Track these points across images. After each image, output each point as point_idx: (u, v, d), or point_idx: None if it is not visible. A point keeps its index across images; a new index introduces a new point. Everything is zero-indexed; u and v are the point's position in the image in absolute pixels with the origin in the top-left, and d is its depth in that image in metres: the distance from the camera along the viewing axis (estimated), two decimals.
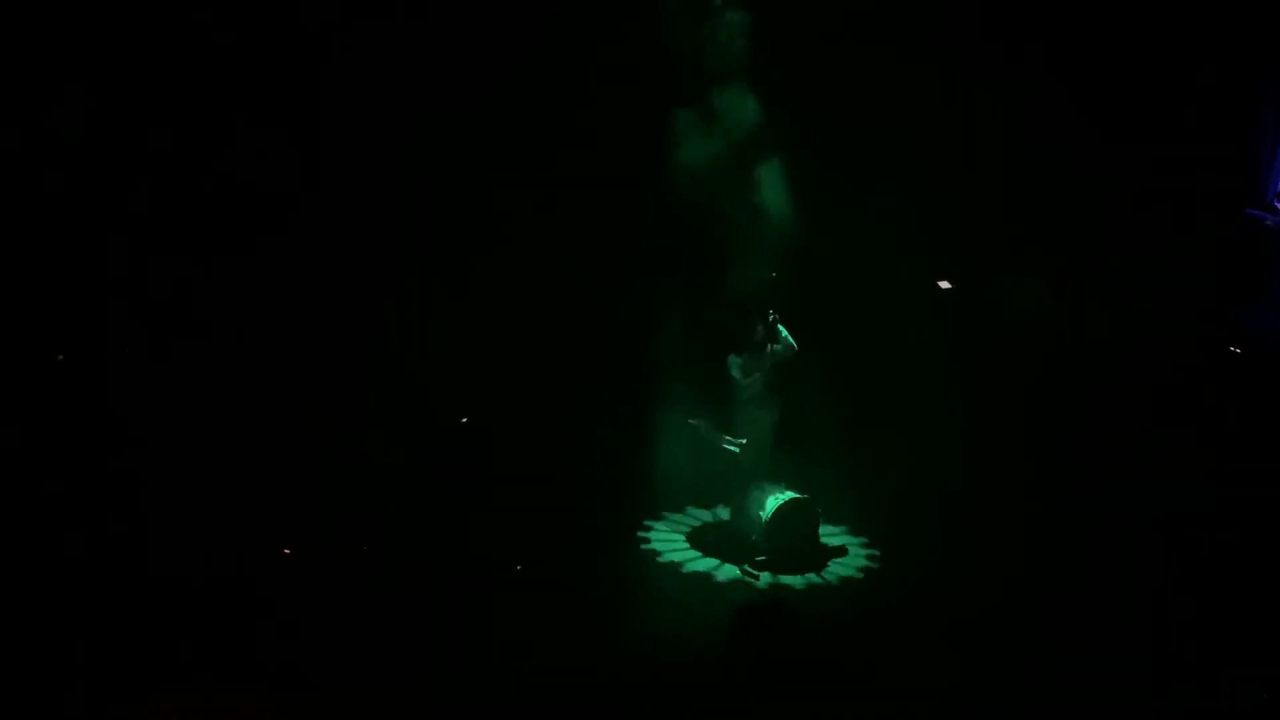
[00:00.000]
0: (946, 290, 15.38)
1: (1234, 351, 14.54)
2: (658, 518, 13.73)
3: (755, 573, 12.62)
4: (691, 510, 13.97)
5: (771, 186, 13.95)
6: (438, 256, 14.42)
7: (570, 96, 14.44)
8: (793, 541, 12.84)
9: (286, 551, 11.83)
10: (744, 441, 13.06)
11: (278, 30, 13.69)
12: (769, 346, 12.96)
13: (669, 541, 13.31)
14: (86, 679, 9.64)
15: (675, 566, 12.77)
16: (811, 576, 12.67)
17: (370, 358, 14.08)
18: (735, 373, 13.05)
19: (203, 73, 13.53)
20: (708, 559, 12.93)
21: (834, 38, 14.42)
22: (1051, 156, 14.80)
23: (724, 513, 13.48)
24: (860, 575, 12.77)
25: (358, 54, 13.86)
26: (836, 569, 12.85)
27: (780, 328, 12.88)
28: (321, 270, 14.04)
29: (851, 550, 13.26)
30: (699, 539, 13.38)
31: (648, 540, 13.29)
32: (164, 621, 10.47)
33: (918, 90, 14.55)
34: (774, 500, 12.85)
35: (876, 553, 13.24)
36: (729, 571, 12.69)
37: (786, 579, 12.59)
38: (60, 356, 13.21)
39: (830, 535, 13.41)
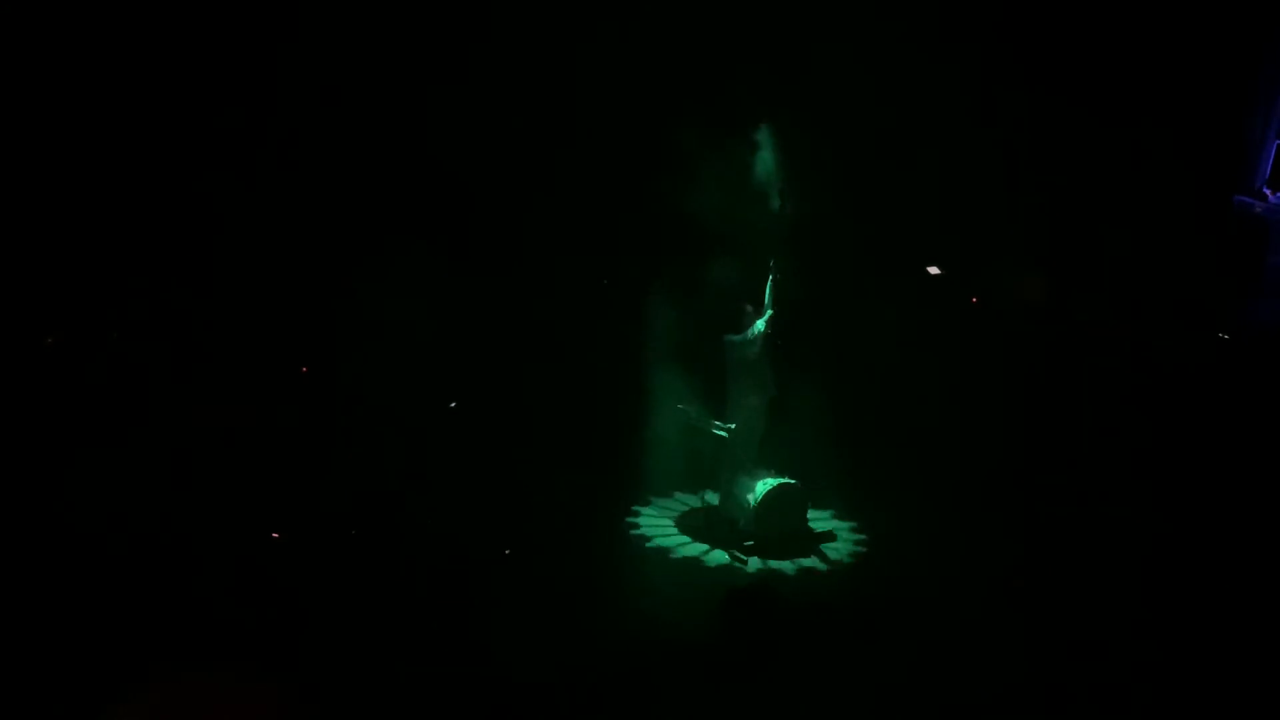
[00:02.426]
0: (936, 276, 15.39)
1: (1223, 338, 14.57)
2: (646, 503, 13.77)
3: (744, 557, 12.64)
4: (679, 496, 14.00)
5: (767, 173, 13.91)
6: (429, 246, 14.39)
7: (562, 90, 14.44)
8: (781, 527, 12.87)
9: (275, 536, 11.82)
10: (733, 426, 13.07)
11: (268, 26, 13.69)
12: (763, 314, 12.93)
13: (658, 526, 13.33)
14: (77, 667, 9.64)
15: (664, 551, 12.80)
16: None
17: (359, 346, 14.05)
18: (732, 340, 13.03)
19: (193, 69, 13.52)
20: (698, 544, 12.97)
21: (840, 33, 14.42)
22: (1041, 144, 14.82)
23: (713, 497, 13.48)
24: (849, 559, 12.84)
25: (346, 45, 13.84)
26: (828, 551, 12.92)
27: (775, 278, 12.82)
28: (310, 261, 14.03)
29: (840, 535, 13.31)
30: (688, 524, 13.39)
31: (636, 526, 13.33)
32: (156, 608, 10.46)
33: (913, 85, 14.55)
34: (762, 485, 12.87)
35: (860, 527, 13.36)
36: (718, 556, 12.73)
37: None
38: (49, 340, 13.14)
39: (818, 521, 13.46)
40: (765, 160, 13.17)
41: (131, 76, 13.30)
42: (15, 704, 9.26)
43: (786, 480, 12.98)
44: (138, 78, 13.32)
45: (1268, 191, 14.88)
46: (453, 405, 14.08)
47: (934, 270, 15.37)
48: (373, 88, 14.01)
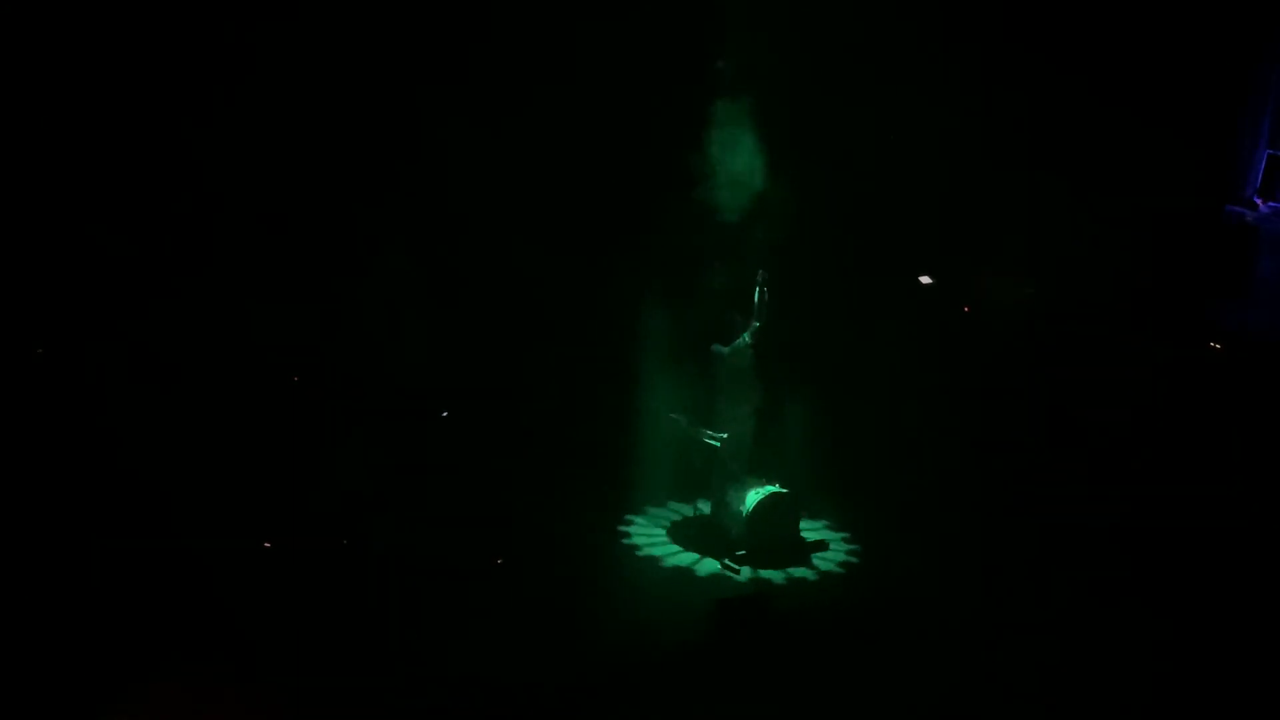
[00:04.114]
0: (927, 285, 15.40)
1: (1214, 347, 14.60)
2: (639, 512, 13.75)
3: (736, 567, 12.62)
4: (672, 505, 13.97)
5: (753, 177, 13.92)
6: (418, 250, 14.40)
7: (554, 91, 14.45)
8: (773, 536, 12.85)
9: (267, 545, 11.80)
10: (725, 436, 13.06)
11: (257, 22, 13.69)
12: (750, 325, 12.91)
13: (650, 536, 13.31)
14: (71, 672, 9.63)
15: (656, 561, 12.79)
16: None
17: (351, 352, 14.04)
18: (721, 351, 13.00)
19: (181, 65, 13.52)
20: (690, 554, 12.95)
21: (827, 34, 14.44)
22: (1033, 152, 14.85)
23: (704, 507, 13.46)
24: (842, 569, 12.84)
25: (336, 43, 13.85)
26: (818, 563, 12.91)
27: (763, 289, 12.80)
28: (302, 262, 14.02)
29: (832, 544, 13.30)
30: (680, 533, 13.38)
31: (628, 535, 13.31)
32: (148, 613, 10.46)
33: (903, 86, 14.57)
34: (754, 495, 12.86)
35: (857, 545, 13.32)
36: (710, 566, 12.71)
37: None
38: (39, 350, 13.14)
39: (810, 530, 13.45)
40: (746, 181, 13.18)
41: (127, 75, 13.29)
42: (15, 704, 9.26)
43: (778, 489, 12.96)
44: (133, 76, 13.31)
45: (1258, 200, 14.92)
46: (444, 414, 14.07)
47: (925, 280, 15.39)
48: (369, 87, 14.01)
